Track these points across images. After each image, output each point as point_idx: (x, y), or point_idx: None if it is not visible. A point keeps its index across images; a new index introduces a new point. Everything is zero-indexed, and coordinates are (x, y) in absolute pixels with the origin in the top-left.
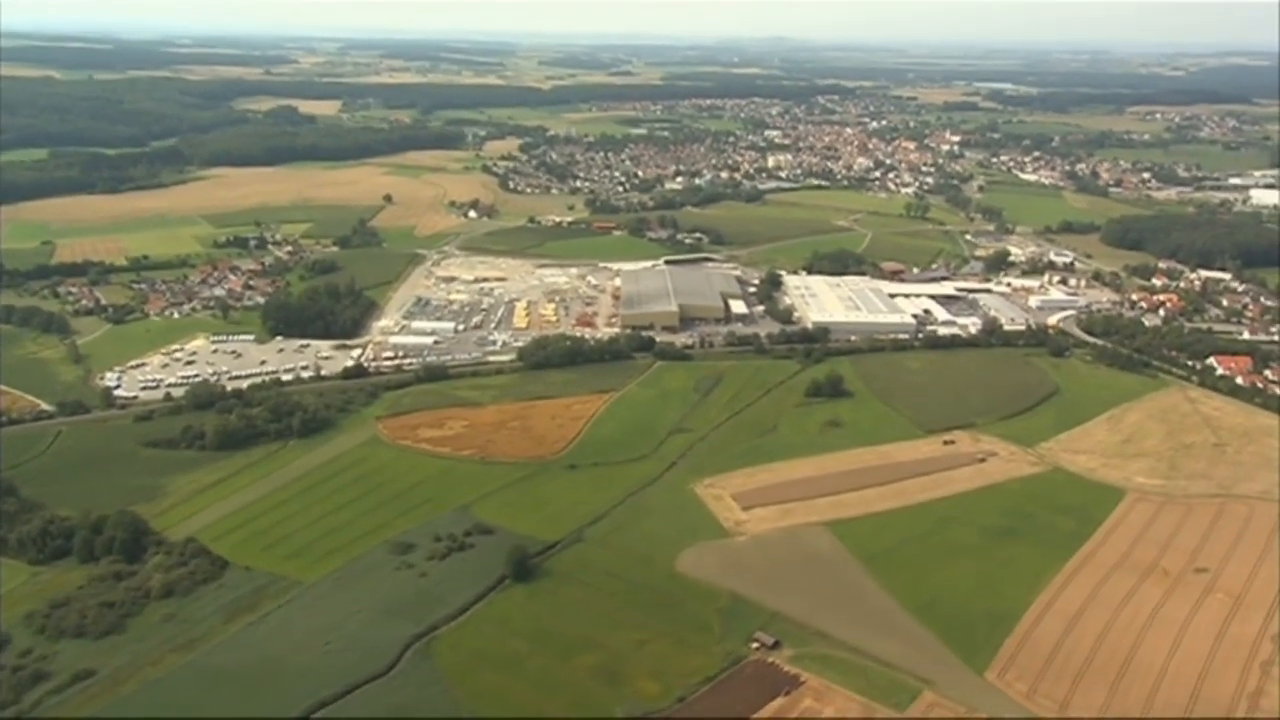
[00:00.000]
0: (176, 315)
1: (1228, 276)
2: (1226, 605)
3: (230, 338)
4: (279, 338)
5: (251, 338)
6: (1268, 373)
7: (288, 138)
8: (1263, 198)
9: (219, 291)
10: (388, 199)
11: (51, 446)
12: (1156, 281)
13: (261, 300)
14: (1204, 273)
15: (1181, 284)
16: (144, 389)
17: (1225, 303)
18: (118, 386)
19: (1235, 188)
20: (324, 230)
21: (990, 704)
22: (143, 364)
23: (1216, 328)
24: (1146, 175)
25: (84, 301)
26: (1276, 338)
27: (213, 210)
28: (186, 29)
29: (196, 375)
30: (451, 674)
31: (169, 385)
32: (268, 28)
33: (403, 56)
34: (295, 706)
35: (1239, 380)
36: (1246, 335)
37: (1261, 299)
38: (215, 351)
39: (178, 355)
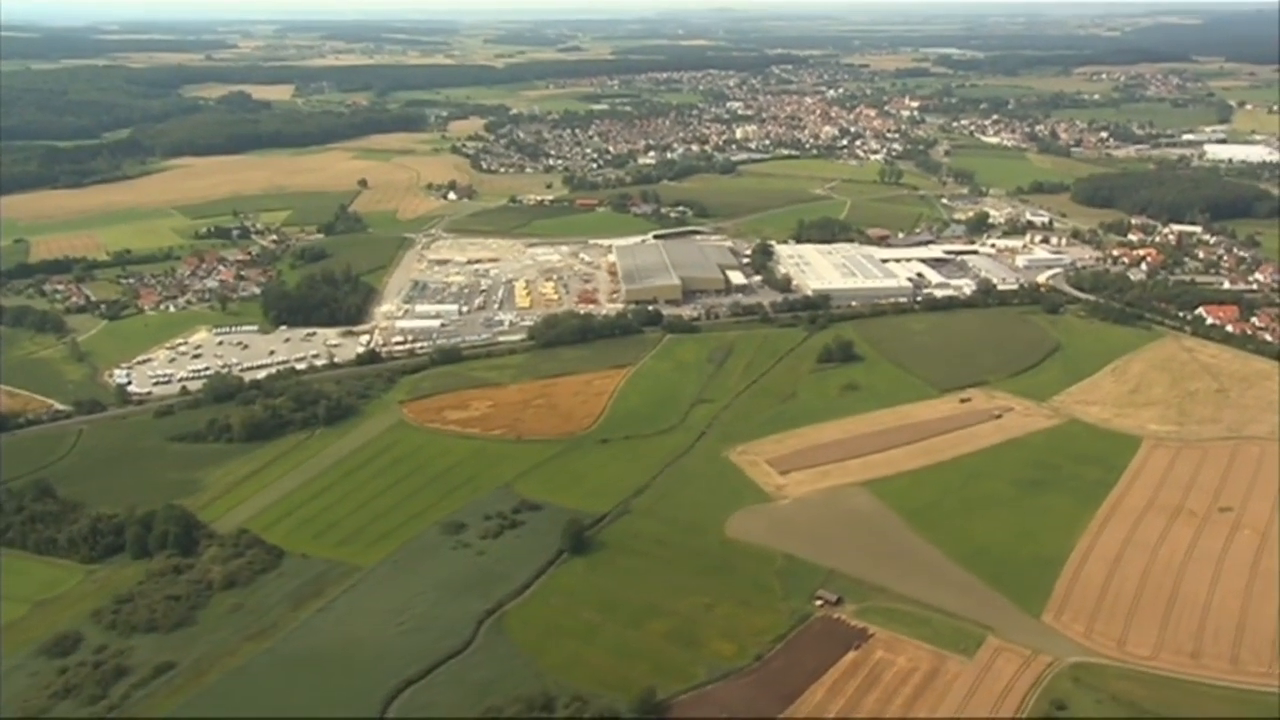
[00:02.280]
0: (172, 309)
1: (1199, 230)
2: (1255, 541)
3: (233, 329)
4: (283, 327)
5: (255, 328)
6: (1255, 320)
7: (248, 125)
8: (1218, 152)
9: (212, 283)
10: (363, 184)
11: (76, 446)
12: (1133, 237)
13: (256, 290)
14: (1176, 227)
15: (1157, 239)
16: (156, 384)
17: (1201, 255)
18: (129, 383)
19: (1190, 144)
20: (304, 217)
21: (1052, 645)
22: (149, 359)
23: (1198, 279)
24: (1104, 134)
25: (74, 299)
26: (1256, 286)
27: (185, 201)
28: (110, 13)
29: (206, 368)
30: (528, 647)
31: (181, 379)
32: (196, 11)
33: (344, 38)
34: (382, 686)
35: (1229, 328)
36: (1227, 285)
37: (1235, 250)
38: (220, 344)
39: (182, 349)
